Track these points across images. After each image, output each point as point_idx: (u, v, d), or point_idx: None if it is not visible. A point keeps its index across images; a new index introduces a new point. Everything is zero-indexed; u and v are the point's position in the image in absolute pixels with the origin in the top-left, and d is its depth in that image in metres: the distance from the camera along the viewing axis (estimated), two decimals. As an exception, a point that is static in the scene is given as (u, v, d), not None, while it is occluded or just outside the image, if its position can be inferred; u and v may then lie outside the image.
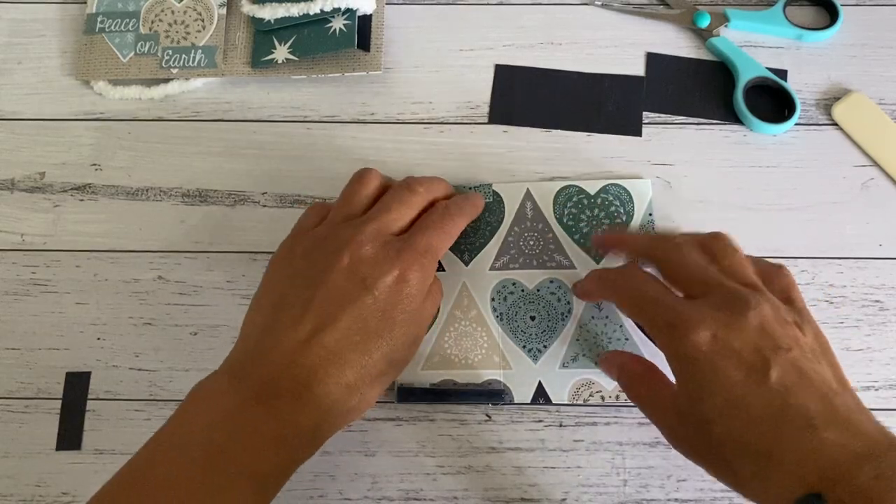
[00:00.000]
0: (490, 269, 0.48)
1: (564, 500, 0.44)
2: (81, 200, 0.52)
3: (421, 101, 0.54)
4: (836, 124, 0.52)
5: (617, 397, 0.45)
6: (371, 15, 0.54)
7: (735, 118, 0.53)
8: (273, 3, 0.53)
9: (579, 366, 0.46)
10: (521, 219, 0.49)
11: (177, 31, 0.55)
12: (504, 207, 0.49)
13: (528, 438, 0.45)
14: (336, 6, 0.52)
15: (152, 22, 0.55)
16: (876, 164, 0.51)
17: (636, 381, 0.42)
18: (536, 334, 0.47)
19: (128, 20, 0.55)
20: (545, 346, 0.46)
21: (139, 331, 0.49)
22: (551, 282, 0.48)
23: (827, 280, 0.48)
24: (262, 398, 0.37)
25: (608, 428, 0.46)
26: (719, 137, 0.52)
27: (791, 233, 0.50)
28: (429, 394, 0.46)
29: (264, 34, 0.54)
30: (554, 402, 0.45)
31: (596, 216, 0.49)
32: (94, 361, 0.48)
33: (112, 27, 0.55)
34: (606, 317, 0.47)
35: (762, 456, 0.32)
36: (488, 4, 0.57)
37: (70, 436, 0.47)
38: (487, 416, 0.46)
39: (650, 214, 0.49)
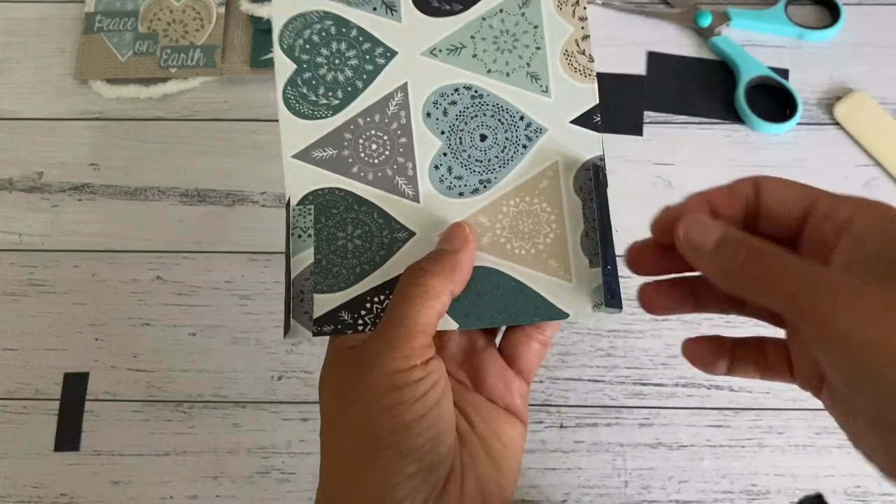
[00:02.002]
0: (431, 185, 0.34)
1: (565, 501, 0.44)
2: (80, 200, 0.52)
3: (421, 100, 0.54)
4: (837, 124, 0.52)
5: None
6: (370, 14, 0.54)
7: (736, 117, 0.52)
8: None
9: None
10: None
11: (175, 31, 0.55)
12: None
13: (529, 440, 0.45)
14: (335, 5, 0.52)
15: (151, 21, 0.55)
16: (878, 163, 0.51)
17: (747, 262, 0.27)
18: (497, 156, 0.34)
19: (126, 19, 0.55)
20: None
21: (138, 331, 0.49)
22: (440, 97, 0.35)
23: (829, 280, 0.48)
24: None
25: (609, 429, 0.45)
26: (721, 137, 0.52)
27: (793, 233, 0.50)
28: None
29: (263, 33, 0.54)
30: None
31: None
32: (93, 362, 0.48)
33: (110, 26, 0.55)
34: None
35: None
36: (488, 3, 0.57)
37: (68, 436, 0.47)
38: (487, 416, 0.46)
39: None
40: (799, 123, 0.52)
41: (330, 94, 0.35)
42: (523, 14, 0.35)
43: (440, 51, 0.35)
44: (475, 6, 0.35)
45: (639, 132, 0.52)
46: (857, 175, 0.51)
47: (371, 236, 0.34)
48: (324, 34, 0.35)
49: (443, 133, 0.35)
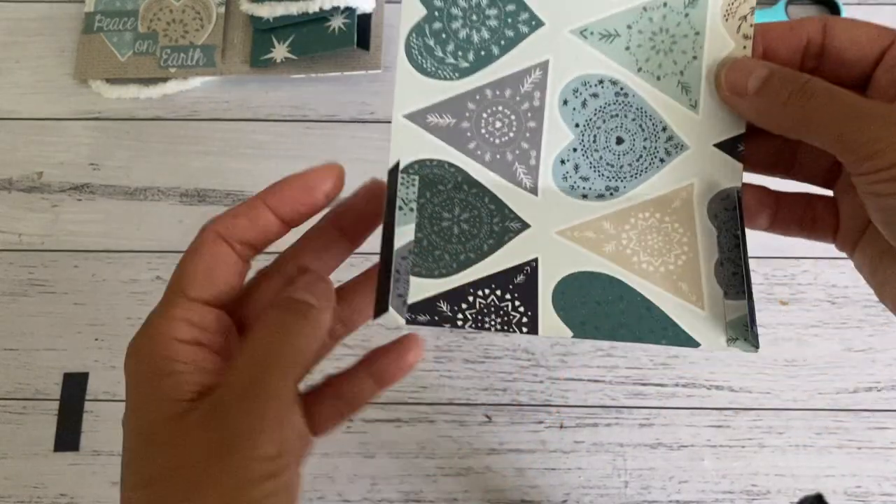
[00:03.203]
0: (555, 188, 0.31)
1: (565, 501, 0.44)
2: (79, 200, 0.52)
3: (421, 100, 0.54)
4: (838, 124, 0.52)
5: None
6: (370, 13, 0.54)
7: (736, 117, 0.52)
8: (272, 2, 0.53)
9: None
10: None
11: (175, 30, 0.55)
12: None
13: (529, 440, 0.45)
14: (335, 5, 0.52)
15: (150, 21, 0.55)
16: (878, 163, 0.51)
17: (805, 93, 0.26)
18: (635, 158, 0.31)
19: (126, 19, 0.55)
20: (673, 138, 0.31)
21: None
22: (580, 87, 0.31)
23: (829, 280, 0.48)
24: None
25: (609, 429, 0.45)
26: (721, 137, 0.52)
27: (793, 233, 0.50)
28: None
29: (263, 33, 0.54)
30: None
31: None
32: (92, 362, 0.48)
33: (110, 26, 0.55)
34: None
35: None
36: (488, 3, 0.57)
37: (68, 437, 0.47)
38: (487, 416, 0.46)
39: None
40: (799, 123, 0.52)
41: (460, 53, 0.31)
42: (687, 15, 0.31)
43: (592, 33, 0.31)
44: None
45: (639, 132, 0.52)
46: (857, 175, 0.51)
47: (480, 222, 0.31)
48: None
49: (577, 126, 0.31)
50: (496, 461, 0.45)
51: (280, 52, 0.53)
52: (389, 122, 0.57)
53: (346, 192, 0.54)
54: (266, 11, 0.53)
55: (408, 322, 0.28)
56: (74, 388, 0.48)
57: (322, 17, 0.53)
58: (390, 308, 0.27)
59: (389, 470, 0.45)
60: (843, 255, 0.51)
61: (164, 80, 0.54)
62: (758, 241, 0.51)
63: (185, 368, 0.24)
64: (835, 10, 0.54)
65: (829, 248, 0.51)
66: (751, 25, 0.30)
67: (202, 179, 0.52)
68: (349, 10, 0.53)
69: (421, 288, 0.29)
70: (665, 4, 0.31)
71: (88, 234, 0.51)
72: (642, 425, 0.45)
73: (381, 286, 0.27)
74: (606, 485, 0.44)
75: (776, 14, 0.54)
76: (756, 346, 0.28)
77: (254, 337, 0.24)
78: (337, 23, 0.52)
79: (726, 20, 0.31)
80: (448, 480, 0.45)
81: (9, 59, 0.56)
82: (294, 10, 0.52)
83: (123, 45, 0.55)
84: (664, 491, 0.44)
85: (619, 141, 0.31)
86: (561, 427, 0.45)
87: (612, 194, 0.31)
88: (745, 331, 0.29)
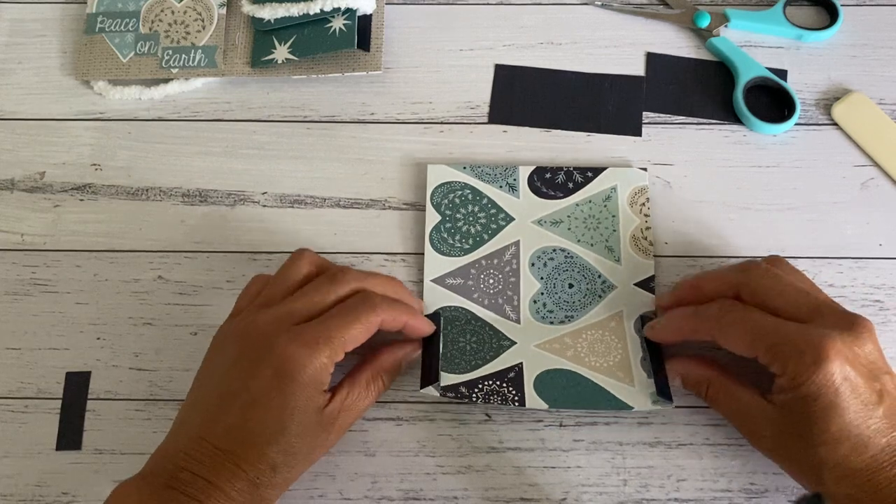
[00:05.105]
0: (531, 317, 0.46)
1: (564, 499, 0.44)
2: (81, 200, 0.52)
3: (421, 101, 0.54)
4: (835, 124, 0.52)
5: None
6: (371, 15, 0.54)
7: (735, 118, 0.53)
8: (273, 3, 0.53)
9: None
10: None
11: (177, 31, 0.55)
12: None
13: (528, 438, 0.45)
14: (336, 6, 0.52)
15: (152, 22, 0.55)
16: (876, 163, 0.51)
17: (710, 389, 0.43)
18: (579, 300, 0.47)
19: (128, 20, 0.55)
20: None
21: (139, 331, 0.49)
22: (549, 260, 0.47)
23: (827, 280, 0.48)
24: (164, 496, 0.37)
25: (608, 427, 0.46)
26: (719, 137, 0.52)
27: (791, 233, 0.50)
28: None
29: (264, 34, 0.54)
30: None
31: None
32: (94, 361, 0.48)
33: (112, 27, 0.55)
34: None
35: (862, 476, 0.37)
36: (488, 4, 0.57)
37: (70, 435, 0.47)
38: (487, 415, 0.46)
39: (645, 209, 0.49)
40: (797, 124, 0.52)
41: (463, 240, 0.48)
42: (605, 206, 0.48)
43: (545, 222, 0.48)
44: (572, 196, 0.49)
45: (638, 133, 0.53)
46: (854, 175, 0.51)
47: (483, 342, 0.45)
48: (463, 198, 0.49)
49: (542, 279, 0.47)
50: (496, 459, 0.45)
51: (281, 53, 0.53)
52: (389, 122, 0.58)
53: (344, 188, 0.54)
54: (267, 13, 0.53)
55: (441, 395, 0.43)
56: (76, 387, 0.48)
57: (323, 18, 0.53)
58: (428, 388, 0.43)
59: (390, 468, 0.45)
60: (842, 254, 0.51)
61: (166, 80, 0.54)
62: (755, 241, 0.51)
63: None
64: (833, 11, 0.54)
65: (826, 248, 0.51)
66: (648, 207, 0.49)
67: (204, 180, 0.53)
68: (350, 12, 0.53)
69: (448, 378, 0.44)
70: (590, 201, 0.49)
71: (90, 234, 0.51)
72: (641, 424, 0.46)
73: (423, 376, 0.44)
74: (605, 483, 0.45)
75: (774, 15, 0.54)
76: (671, 400, 0.43)
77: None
78: (338, 24, 0.53)
79: (631, 207, 0.48)
80: (448, 479, 0.45)
81: (10, 60, 0.56)
82: (295, 11, 0.53)
83: (125, 46, 0.55)
84: (662, 489, 0.44)
85: (571, 286, 0.47)
86: (560, 426, 0.46)
87: (569, 320, 0.46)
88: (661, 396, 0.43)
